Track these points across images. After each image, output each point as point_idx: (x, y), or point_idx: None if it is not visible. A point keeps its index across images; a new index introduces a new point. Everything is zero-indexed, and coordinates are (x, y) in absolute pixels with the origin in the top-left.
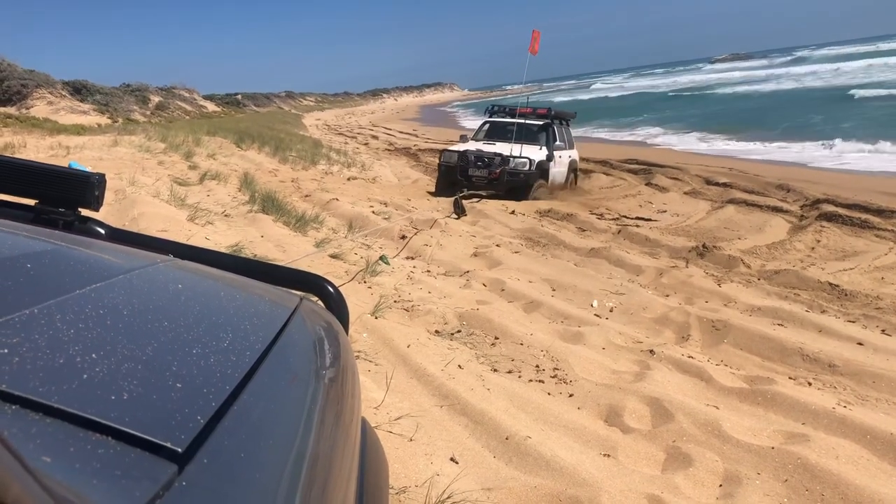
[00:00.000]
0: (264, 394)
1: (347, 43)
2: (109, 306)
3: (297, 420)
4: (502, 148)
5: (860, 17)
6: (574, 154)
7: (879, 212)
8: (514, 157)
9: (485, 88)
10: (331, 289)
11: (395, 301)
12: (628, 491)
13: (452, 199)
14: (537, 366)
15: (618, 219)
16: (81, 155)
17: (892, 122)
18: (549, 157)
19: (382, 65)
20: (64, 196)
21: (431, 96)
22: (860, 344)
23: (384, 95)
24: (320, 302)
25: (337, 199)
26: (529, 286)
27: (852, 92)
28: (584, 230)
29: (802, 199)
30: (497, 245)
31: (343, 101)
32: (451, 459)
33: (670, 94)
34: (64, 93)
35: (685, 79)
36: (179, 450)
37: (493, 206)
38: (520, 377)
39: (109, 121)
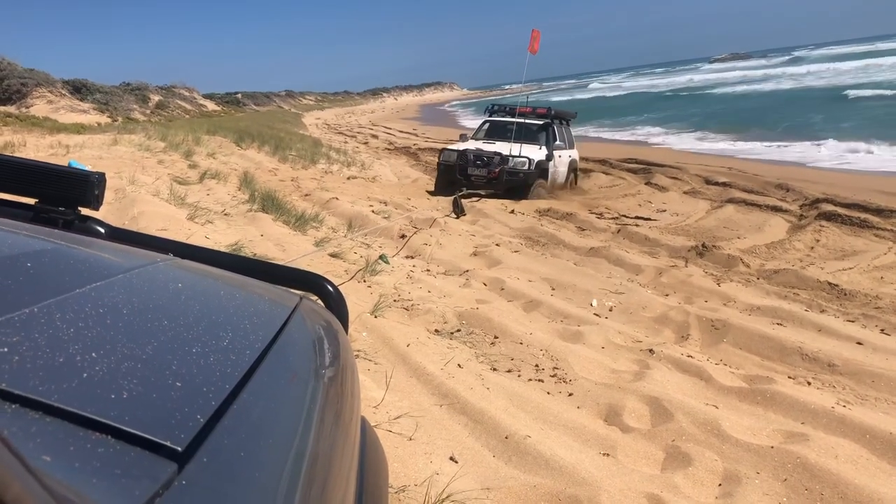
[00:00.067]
0: (264, 393)
1: (347, 42)
2: (109, 305)
3: (296, 419)
4: (502, 147)
5: (860, 17)
6: (574, 154)
7: (879, 211)
8: (514, 157)
9: (484, 88)
10: (330, 288)
11: (394, 300)
12: (628, 490)
13: (452, 198)
14: (537, 365)
15: (617, 218)
16: (81, 154)
17: (887, 122)
18: (549, 157)
19: (382, 64)
20: (64, 195)
21: (431, 95)
22: (859, 343)
23: (384, 95)
24: (320, 301)
25: (337, 198)
26: (529, 285)
27: (846, 92)
28: (584, 229)
29: (802, 198)
30: (496, 244)
31: (343, 100)
32: (451, 458)
33: (668, 93)
34: (64, 92)
35: (683, 78)
36: (179, 449)
37: (492, 206)
38: (519, 376)
39: (109, 120)
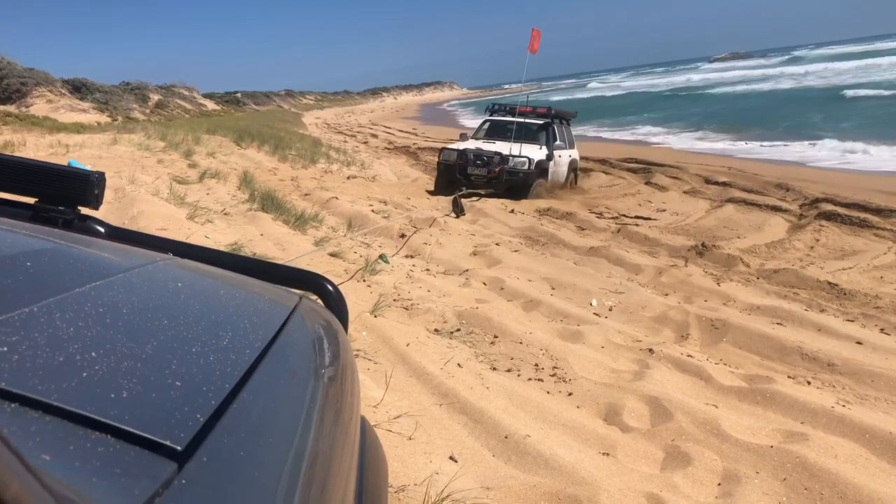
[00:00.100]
0: (264, 392)
1: (347, 42)
2: (109, 304)
3: (296, 418)
4: (502, 147)
5: (859, 17)
6: (574, 154)
7: (878, 211)
8: (514, 157)
9: (484, 87)
10: (330, 287)
11: (394, 300)
12: (627, 490)
13: (451, 197)
14: (536, 364)
15: (617, 217)
16: (81, 153)
17: (887, 122)
18: (549, 157)
19: (382, 64)
20: (64, 194)
21: (431, 95)
22: (859, 343)
23: (384, 94)
24: (320, 300)
25: (336, 198)
26: (529, 285)
27: (846, 92)
28: (584, 229)
29: (801, 198)
30: (496, 244)
31: (343, 99)
32: (451, 458)
33: (667, 93)
34: (63, 91)
35: (682, 78)
36: (179, 448)
37: (492, 205)
38: (519, 376)
39: (109, 119)
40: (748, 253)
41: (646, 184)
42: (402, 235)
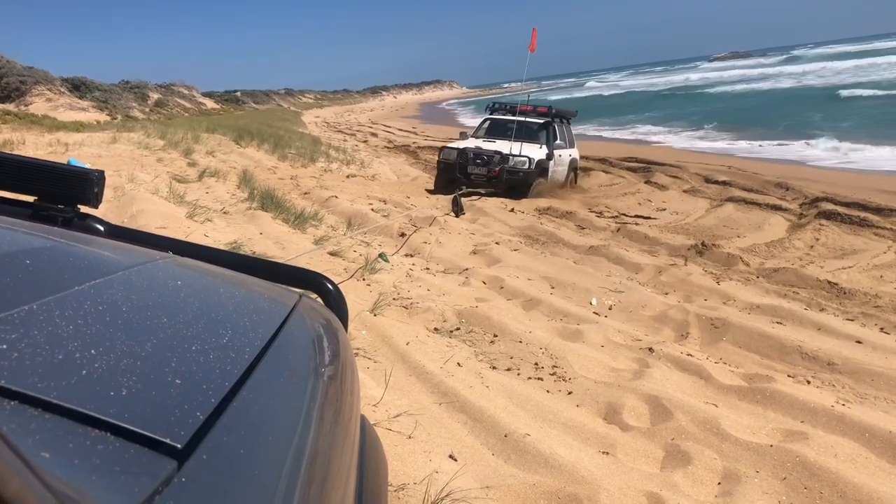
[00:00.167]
0: (263, 391)
1: (347, 42)
2: (108, 303)
3: (296, 417)
4: (502, 146)
5: (858, 17)
6: (574, 153)
7: (878, 210)
8: (514, 156)
9: (483, 86)
10: (330, 286)
11: (394, 298)
12: (627, 489)
13: (451, 196)
14: (536, 363)
15: (617, 217)
16: (80, 152)
17: (886, 122)
18: (549, 156)
19: (382, 63)
20: (63, 193)
21: (431, 94)
22: (859, 342)
23: (384, 93)
24: (319, 299)
25: (336, 197)
26: (528, 284)
27: (844, 91)
28: (584, 228)
29: (801, 197)
30: (496, 243)
31: (343, 98)
32: (450, 457)
33: (665, 92)
34: (63, 90)
35: (681, 77)
36: (179, 446)
37: (492, 204)
38: (519, 375)
39: (108, 118)
40: (748, 252)
41: (646, 183)
42: (402, 234)
